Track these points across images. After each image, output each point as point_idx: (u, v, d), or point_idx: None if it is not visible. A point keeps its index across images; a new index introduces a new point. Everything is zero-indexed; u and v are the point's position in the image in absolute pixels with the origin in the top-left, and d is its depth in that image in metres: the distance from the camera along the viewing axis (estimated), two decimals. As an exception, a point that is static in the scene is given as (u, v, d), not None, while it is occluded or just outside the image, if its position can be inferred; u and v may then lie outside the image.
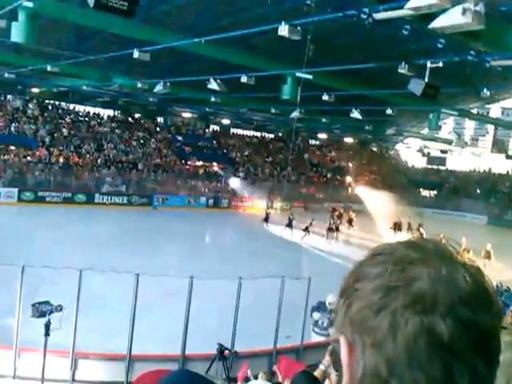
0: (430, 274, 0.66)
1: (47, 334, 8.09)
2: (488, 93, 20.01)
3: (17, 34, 12.38)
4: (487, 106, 38.94)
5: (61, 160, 32.71)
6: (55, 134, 34.76)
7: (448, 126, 48.38)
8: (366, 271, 0.71)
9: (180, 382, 1.14)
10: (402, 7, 9.41)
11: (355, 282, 0.71)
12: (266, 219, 29.33)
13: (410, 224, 30.65)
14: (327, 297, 9.89)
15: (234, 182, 39.26)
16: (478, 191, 48.17)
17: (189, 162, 40.28)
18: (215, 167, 41.14)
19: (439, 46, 13.95)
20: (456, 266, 0.68)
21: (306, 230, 26.16)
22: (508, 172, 50.25)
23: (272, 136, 51.26)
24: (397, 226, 30.36)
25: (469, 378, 0.63)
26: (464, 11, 8.43)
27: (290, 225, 27.06)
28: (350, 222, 31.15)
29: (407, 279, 0.66)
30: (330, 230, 27.59)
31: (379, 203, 36.37)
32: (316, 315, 10.11)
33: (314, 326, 10.18)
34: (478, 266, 0.70)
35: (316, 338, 10.16)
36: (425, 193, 51.94)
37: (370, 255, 0.73)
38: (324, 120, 34.72)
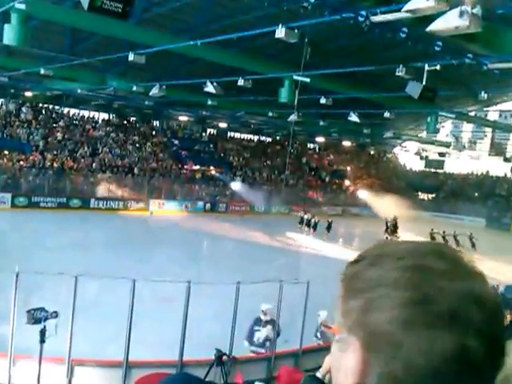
0: (458, 288, 0.63)
1: (42, 340, 7.94)
2: (486, 96, 19.98)
3: (9, 36, 12.19)
4: (485, 108, 39.02)
5: (55, 165, 32.36)
6: (49, 139, 34.43)
7: (446, 129, 48.59)
8: (389, 276, 0.66)
9: None
10: (399, 10, 9.36)
11: (376, 287, 0.66)
12: (302, 222, 30.51)
13: (457, 236, 28.63)
14: (261, 306, 9.89)
15: (232, 186, 39.15)
16: (476, 194, 48.28)
17: (185, 166, 40.10)
18: (212, 171, 40.96)
19: (437, 48, 13.95)
20: (480, 279, 0.66)
21: (308, 225, 29.53)
22: (506, 175, 50.31)
23: (270, 139, 51.11)
24: (435, 238, 27.96)
25: None
26: (461, 14, 8.39)
27: (314, 227, 29.20)
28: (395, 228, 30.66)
29: (436, 293, 0.63)
30: None
31: (390, 208, 35.82)
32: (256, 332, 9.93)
33: (249, 342, 9.96)
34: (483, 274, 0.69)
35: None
36: (423, 196, 51.98)
37: (391, 257, 0.68)
38: (322, 123, 34.68)
